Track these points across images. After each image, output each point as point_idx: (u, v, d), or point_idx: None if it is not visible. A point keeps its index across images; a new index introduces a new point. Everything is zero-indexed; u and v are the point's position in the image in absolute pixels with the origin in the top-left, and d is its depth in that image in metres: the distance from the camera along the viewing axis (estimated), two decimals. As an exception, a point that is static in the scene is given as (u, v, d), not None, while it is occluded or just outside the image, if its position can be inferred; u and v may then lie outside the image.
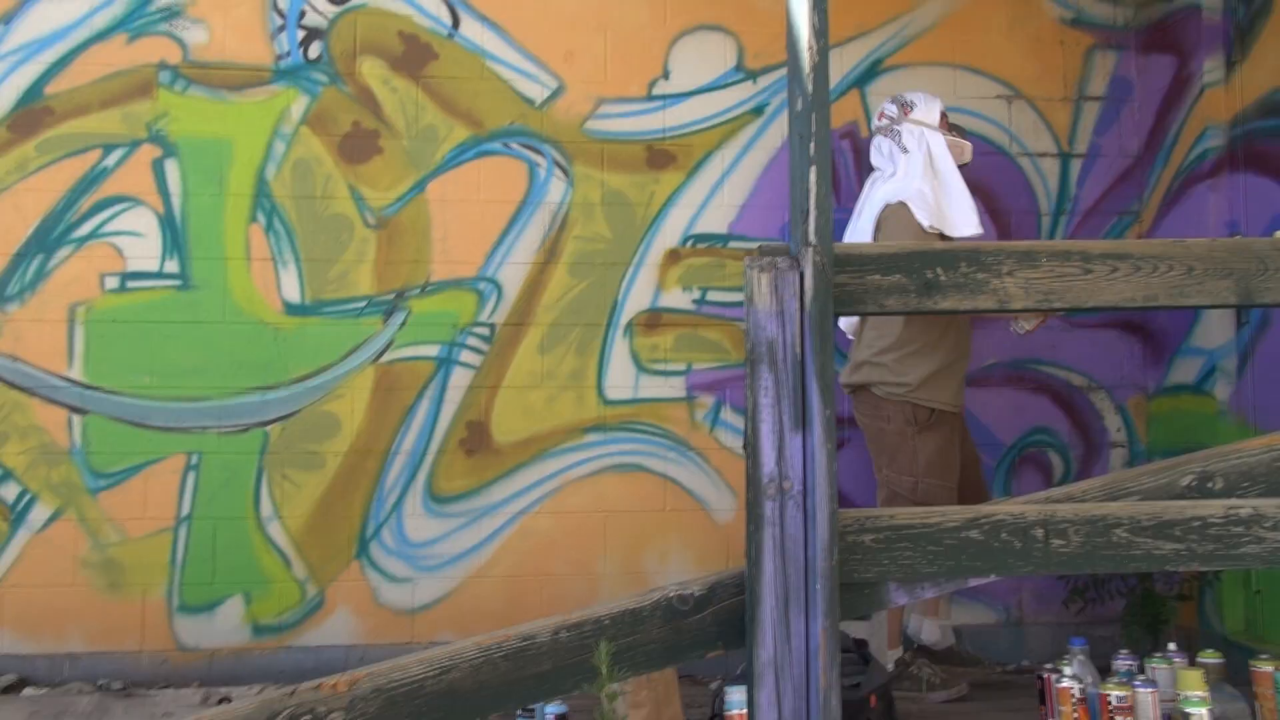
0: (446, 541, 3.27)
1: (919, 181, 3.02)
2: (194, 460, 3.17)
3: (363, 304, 3.29)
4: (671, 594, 1.61)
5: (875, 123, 3.20)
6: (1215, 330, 3.33)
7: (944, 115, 3.14)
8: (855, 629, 2.91)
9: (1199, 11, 3.41)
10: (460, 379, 3.31)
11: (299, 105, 3.29)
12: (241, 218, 3.25)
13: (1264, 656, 2.56)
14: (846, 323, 3.21)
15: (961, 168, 3.10)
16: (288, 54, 3.30)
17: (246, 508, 3.18)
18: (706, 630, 1.62)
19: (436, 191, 3.34)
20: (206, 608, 3.15)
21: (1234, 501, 1.64)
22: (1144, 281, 1.67)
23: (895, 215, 3.01)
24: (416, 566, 3.25)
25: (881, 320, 3.02)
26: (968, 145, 3.17)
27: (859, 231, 3.15)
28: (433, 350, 3.31)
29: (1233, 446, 1.73)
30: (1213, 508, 1.62)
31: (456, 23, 3.38)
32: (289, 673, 3.04)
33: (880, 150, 3.16)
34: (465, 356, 3.32)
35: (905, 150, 3.07)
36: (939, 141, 3.07)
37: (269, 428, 3.21)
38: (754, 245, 2.97)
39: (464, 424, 3.30)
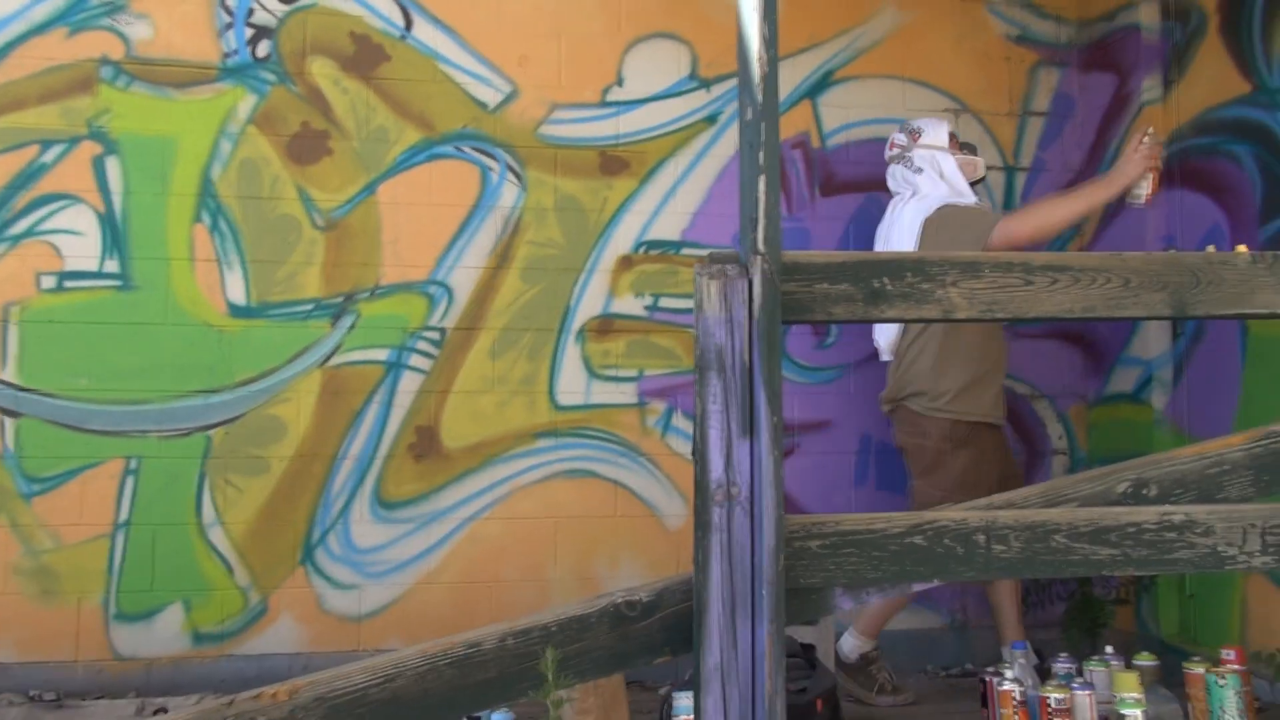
0: (394, 547, 3.23)
1: (944, 192, 3.10)
2: (133, 465, 3.10)
3: (310, 306, 3.24)
4: (619, 600, 1.61)
5: (887, 152, 3.26)
6: (1152, 341, 3.42)
7: (953, 136, 3.21)
8: (803, 634, 2.93)
9: (1138, 32, 3.51)
10: (410, 383, 3.27)
11: (246, 104, 3.24)
12: (185, 217, 3.18)
13: (1196, 659, 2.63)
14: (885, 342, 3.20)
15: (975, 184, 3.19)
16: (235, 52, 3.24)
17: (187, 513, 3.11)
18: (654, 636, 1.62)
19: (387, 194, 3.30)
20: (144, 616, 3.07)
21: (1167, 508, 1.67)
22: (1083, 293, 1.70)
23: (946, 218, 3.02)
24: (363, 573, 3.21)
25: (917, 338, 3.05)
26: (980, 161, 3.25)
27: None
28: (382, 354, 3.27)
29: (1166, 454, 1.77)
30: (1147, 514, 1.66)
31: (409, 24, 3.35)
32: (230, 682, 2.97)
33: (894, 177, 3.23)
34: (415, 360, 3.29)
35: (920, 170, 3.14)
36: (950, 163, 3.15)
37: (212, 432, 3.15)
38: (706, 252, 2.99)
39: (413, 429, 3.26)
